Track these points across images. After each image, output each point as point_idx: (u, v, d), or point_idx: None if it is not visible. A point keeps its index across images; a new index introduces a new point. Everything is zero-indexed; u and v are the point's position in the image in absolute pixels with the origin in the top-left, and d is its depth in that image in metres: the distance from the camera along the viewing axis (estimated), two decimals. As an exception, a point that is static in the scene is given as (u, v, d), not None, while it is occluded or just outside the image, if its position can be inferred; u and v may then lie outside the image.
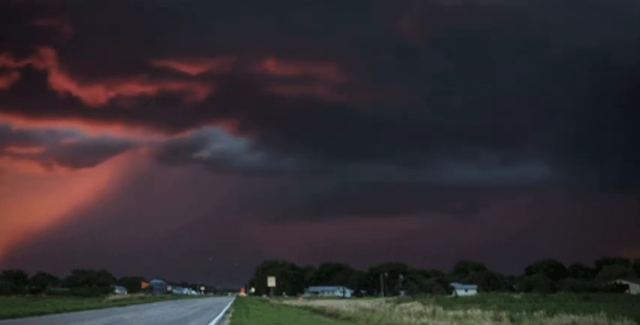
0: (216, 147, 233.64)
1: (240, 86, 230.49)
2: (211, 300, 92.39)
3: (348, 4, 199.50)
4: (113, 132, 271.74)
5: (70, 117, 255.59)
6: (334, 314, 39.97)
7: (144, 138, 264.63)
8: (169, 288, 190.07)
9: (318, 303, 63.29)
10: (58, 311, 39.08)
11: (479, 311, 32.61)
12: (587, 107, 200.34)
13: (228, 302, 76.21)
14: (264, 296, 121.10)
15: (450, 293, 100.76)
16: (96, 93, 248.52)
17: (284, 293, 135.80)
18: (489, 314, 30.94)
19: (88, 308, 46.68)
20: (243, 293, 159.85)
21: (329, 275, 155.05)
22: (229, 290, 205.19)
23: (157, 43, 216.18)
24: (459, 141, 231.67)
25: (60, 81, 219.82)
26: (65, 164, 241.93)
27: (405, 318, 30.33)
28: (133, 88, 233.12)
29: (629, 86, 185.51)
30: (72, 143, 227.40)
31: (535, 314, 29.60)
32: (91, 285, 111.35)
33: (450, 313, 33.45)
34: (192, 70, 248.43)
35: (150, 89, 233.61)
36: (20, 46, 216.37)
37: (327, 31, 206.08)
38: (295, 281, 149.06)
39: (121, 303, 63.21)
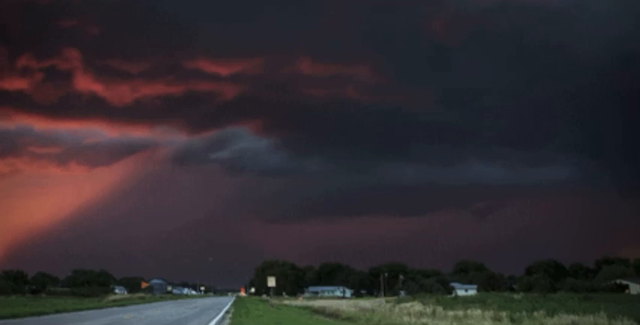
0: (233, 148, 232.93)
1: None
2: (211, 300, 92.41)
3: (382, 5, 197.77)
4: (135, 132, 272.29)
5: (93, 118, 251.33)
6: (334, 314, 39.98)
7: (164, 138, 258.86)
8: (169, 288, 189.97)
9: (318, 303, 63.34)
10: (58, 311, 39.10)
11: (479, 311, 32.65)
12: (587, 107, 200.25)
13: (228, 302, 76.19)
14: (264, 296, 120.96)
15: (450, 293, 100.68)
16: (121, 94, 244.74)
17: (284, 293, 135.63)
18: (489, 314, 30.97)
19: (88, 308, 46.71)
20: (243, 293, 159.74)
21: (329, 275, 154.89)
22: (229, 290, 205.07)
23: (183, 43, 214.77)
24: (464, 141, 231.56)
25: (84, 83, 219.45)
26: (82, 164, 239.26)
27: (405, 318, 30.36)
28: (159, 89, 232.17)
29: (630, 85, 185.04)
30: (92, 143, 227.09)
31: (535, 314, 29.64)
32: (91, 285, 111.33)
33: (450, 313, 33.50)
34: (221, 70, 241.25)
35: (176, 90, 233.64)
36: (44, 47, 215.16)
37: (358, 32, 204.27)
38: (295, 281, 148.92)
39: (121, 303, 63.30)
